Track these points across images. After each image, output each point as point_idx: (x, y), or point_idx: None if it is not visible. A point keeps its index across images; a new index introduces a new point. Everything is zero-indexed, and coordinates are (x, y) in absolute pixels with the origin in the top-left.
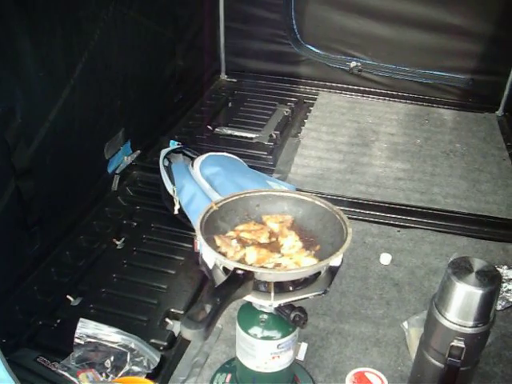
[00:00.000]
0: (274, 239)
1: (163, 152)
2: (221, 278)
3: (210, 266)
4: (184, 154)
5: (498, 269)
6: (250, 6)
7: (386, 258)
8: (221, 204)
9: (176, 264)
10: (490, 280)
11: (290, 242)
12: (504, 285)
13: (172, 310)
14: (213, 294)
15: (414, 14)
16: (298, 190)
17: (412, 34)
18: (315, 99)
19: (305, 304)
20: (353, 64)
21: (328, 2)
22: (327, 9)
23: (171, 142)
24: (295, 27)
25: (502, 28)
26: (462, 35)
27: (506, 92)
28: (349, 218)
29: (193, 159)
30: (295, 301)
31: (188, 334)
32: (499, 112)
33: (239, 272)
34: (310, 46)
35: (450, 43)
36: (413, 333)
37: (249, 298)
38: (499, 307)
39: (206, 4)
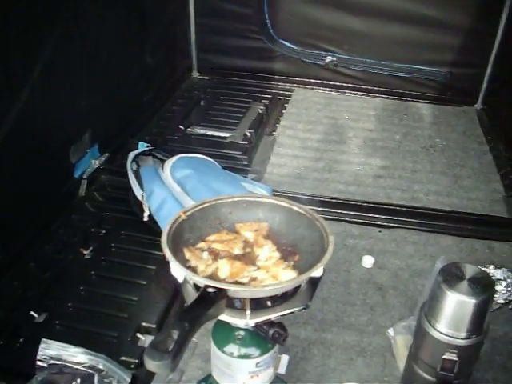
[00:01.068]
0: (248, 250)
1: (131, 155)
2: (192, 294)
3: (180, 281)
4: (154, 157)
5: (485, 269)
6: (221, 0)
7: (368, 261)
8: (190, 213)
9: (147, 274)
10: (483, 288)
11: (267, 252)
12: None
13: (143, 323)
14: (180, 317)
15: (390, 7)
16: (274, 190)
17: (388, 27)
18: (290, 96)
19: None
20: (328, 59)
21: None
22: (301, 3)
23: (140, 143)
24: (268, 22)
25: (479, 20)
26: (438, 28)
27: (485, 85)
28: (328, 219)
29: (163, 162)
30: (274, 318)
31: (152, 366)
32: (478, 105)
33: (210, 290)
34: (283, 41)
35: (427, 36)
36: (399, 340)
37: (222, 317)
38: None
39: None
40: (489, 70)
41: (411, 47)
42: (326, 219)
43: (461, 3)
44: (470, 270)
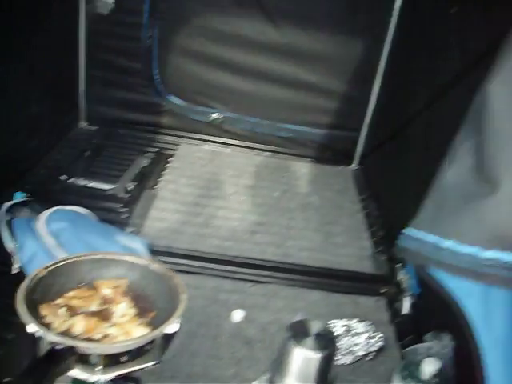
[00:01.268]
0: (106, 306)
1: (5, 206)
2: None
3: (37, 337)
4: (31, 208)
5: (349, 322)
6: (111, 54)
7: (238, 315)
8: (49, 269)
9: (15, 327)
10: (327, 342)
11: (123, 309)
12: (353, 338)
13: (7, 379)
14: (25, 373)
15: (274, 71)
16: (151, 244)
17: (272, 89)
18: (176, 150)
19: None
20: (214, 116)
21: (190, 55)
22: (190, 61)
23: (17, 193)
24: (157, 77)
25: (354, 87)
26: (318, 92)
27: (360, 147)
28: (202, 274)
29: (39, 213)
30: (127, 373)
31: None
32: (354, 166)
33: (59, 346)
34: (171, 97)
35: (308, 99)
36: None
37: (73, 372)
38: (348, 361)
39: (65, 51)
40: (364, 133)
41: (293, 109)
42: (199, 274)
43: (338, 72)
44: (315, 327)
